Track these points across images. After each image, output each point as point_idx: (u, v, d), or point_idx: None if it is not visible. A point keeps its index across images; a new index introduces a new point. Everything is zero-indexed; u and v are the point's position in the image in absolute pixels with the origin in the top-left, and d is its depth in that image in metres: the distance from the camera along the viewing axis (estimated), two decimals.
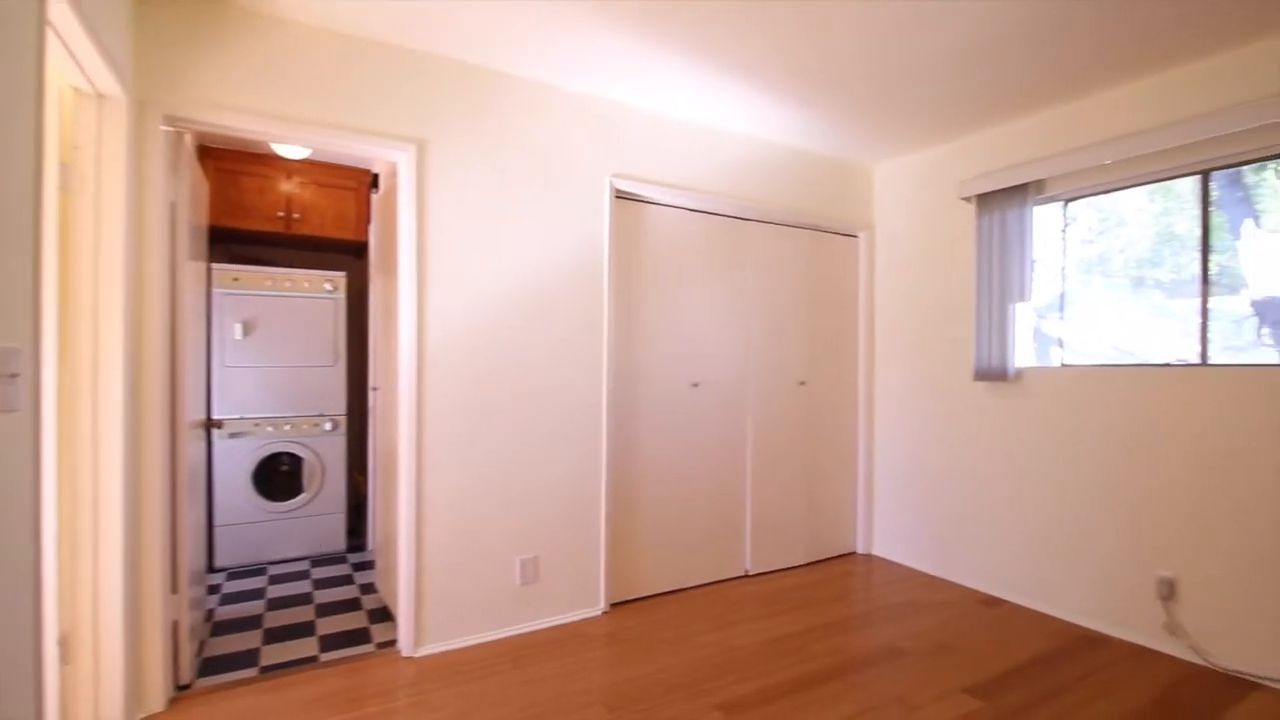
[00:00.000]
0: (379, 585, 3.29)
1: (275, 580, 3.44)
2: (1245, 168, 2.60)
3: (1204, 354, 2.68)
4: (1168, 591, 2.66)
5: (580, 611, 2.94)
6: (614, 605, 3.08)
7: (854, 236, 3.95)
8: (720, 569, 3.45)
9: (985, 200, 3.27)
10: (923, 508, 3.67)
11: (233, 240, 4.05)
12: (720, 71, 2.72)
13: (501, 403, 2.74)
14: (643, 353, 3.17)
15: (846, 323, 3.92)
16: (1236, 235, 2.67)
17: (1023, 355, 3.24)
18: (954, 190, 3.50)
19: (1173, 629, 2.65)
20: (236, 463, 3.61)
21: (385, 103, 2.50)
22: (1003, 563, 3.27)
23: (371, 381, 3.71)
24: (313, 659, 2.54)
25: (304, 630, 2.81)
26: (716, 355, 3.40)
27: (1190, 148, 2.63)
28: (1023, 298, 3.11)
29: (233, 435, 3.60)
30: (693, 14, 2.27)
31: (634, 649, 2.64)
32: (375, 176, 4.02)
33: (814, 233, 3.77)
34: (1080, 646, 2.71)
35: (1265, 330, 2.58)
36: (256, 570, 3.60)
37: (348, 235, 3.98)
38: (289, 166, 3.80)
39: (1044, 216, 3.23)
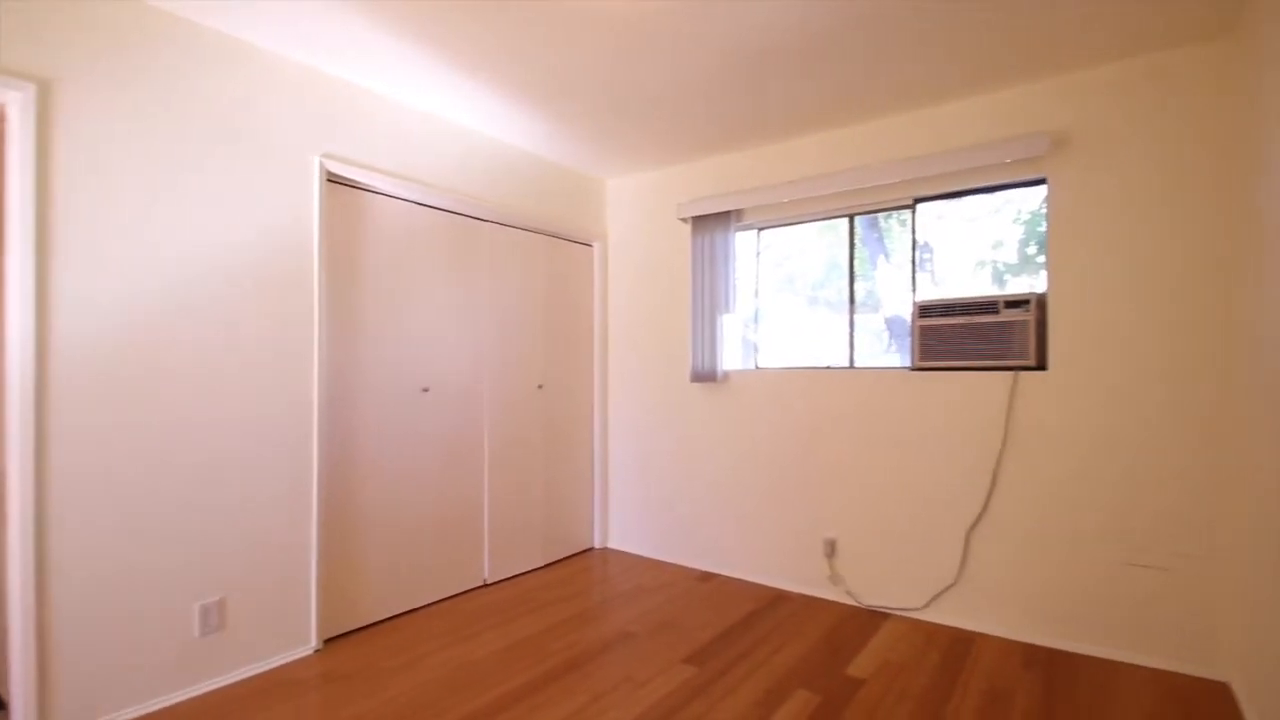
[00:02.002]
0: None
1: None
2: (879, 214, 3.34)
3: (851, 359, 3.36)
4: (831, 550, 3.27)
5: (285, 654, 2.54)
6: (330, 640, 2.73)
7: (589, 245, 4.14)
8: (458, 581, 3.29)
9: (698, 222, 3.69)
10: (649, 499, 3.98)
11: None
12: (459, 69, 2.63)
13: (173, 414, 2.24)
14: (365, 355, 2.89)
15: (583, 328, 4.08)
16: (874, 267, 3.42)
17: (730, 359, 3.71)
18: (674, 210, 3.88)
19: (835, 579, 3.26)
20: None
21: None
22: (714, 541, 3.69)
23: None
24: None
25: None
26: (450, 359, 3.25)
27: (843, 195, 3.29)
28: (728, 310, 3.57)
29: None
30: (426, 6, 2.15)
31: (355, 685, 2.36)
32: None
33: (551, 239, 3.85)
34: (772, 605, 3.18)
35: (893, 341, 3.33)
36: None
37: None
38: None
39: (745, 240, 3.76)
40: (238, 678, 2.39)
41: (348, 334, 2.82)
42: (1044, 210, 2.80)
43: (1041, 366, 2.75)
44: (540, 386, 3.76)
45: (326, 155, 2.69)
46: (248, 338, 2.43)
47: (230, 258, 2.39)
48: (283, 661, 2.53)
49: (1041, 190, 2.84)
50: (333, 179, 2.75)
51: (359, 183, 2.84)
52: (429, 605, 3.14)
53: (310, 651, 2.62)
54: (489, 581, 3.45)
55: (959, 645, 2.71)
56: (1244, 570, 2.23)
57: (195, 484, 2.29)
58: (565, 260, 3.96)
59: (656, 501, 3.95)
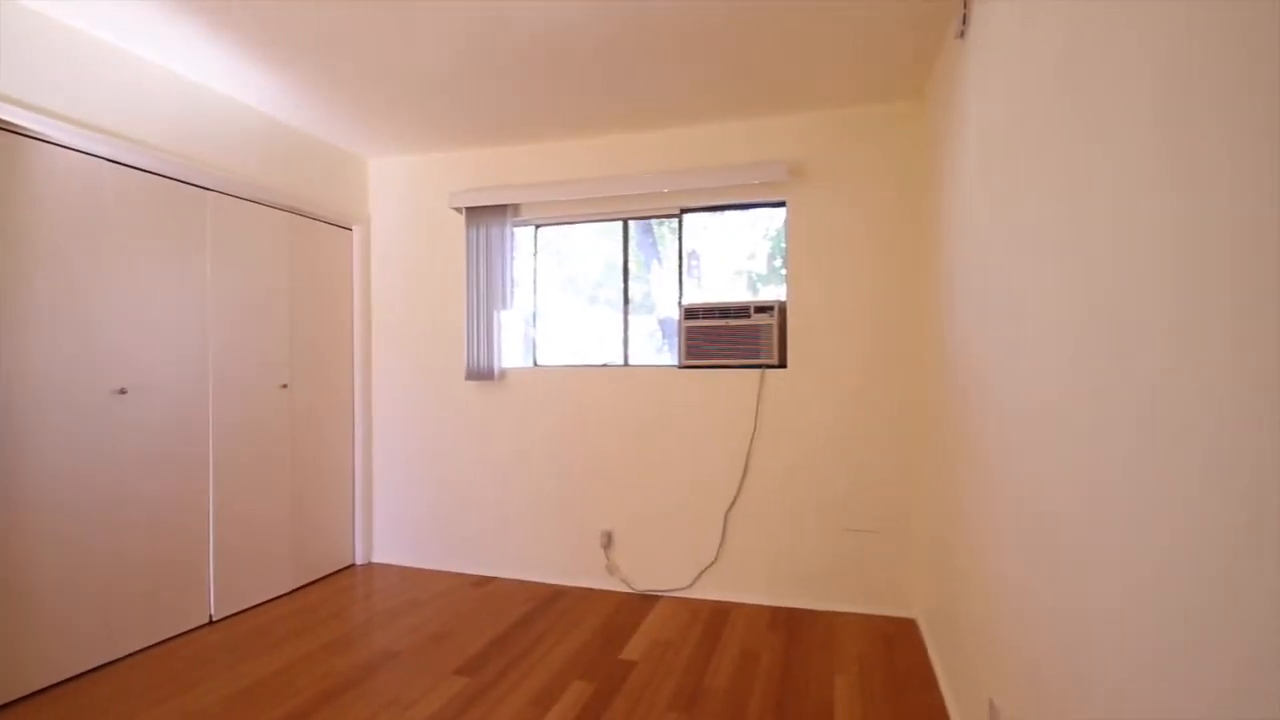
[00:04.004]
0: None
1: None
2: (652, 221, 3.52)
3: (626, 356, 3.50)
4: (607, 541, 3.37)
5: None
6: None
7: (348, 229, 3.72)
8: (172, 623, 2.72)
9: (473, 214, 3.54)
10: (419, 506, 3.72)
11: None
12: (174, 7, 2.16)
13: None
14: (32, 347, 2.24)
15: (339, 321, 3.66)
16: (649, 270, 3.60)
17: (508, 357, 3.62)
18: (447, 199, 3.67)
19: (611, 569, 3.37)
20: None
21: None
22: (491, 544, 3.57)
23: None
24: None
25: None
26: (159, 353, 2.68)
27: (617, 199, 3.41)
28: (505, 306, 3.48)
29: None
30: None
31: None
32: None
33: (300, 218, 3.38)
34: (550, 601, 3.17)
35: (665, 341, 3.54)
36: None
37: None
38: None
39: (524, 237, 3.69)
40: None
41: (5, 319, 2.16)
42: (785, 228, 3.21)
43: (783, 364, 3.15)
44: (285, 386, 3.28)
45: None
46: None
47: None
48: None
49: (783, 211, 3.25)
50: None
51: (19, 126, 2.19)
52: (133, 655, 2.55)
53: None
54: (215, 619, 2.91)
55: (718, 617, 2.97)
56: (927, 531, 2.79)
57: None
58: (318, 243, 3.51)
59: (427, 508, 3.71)
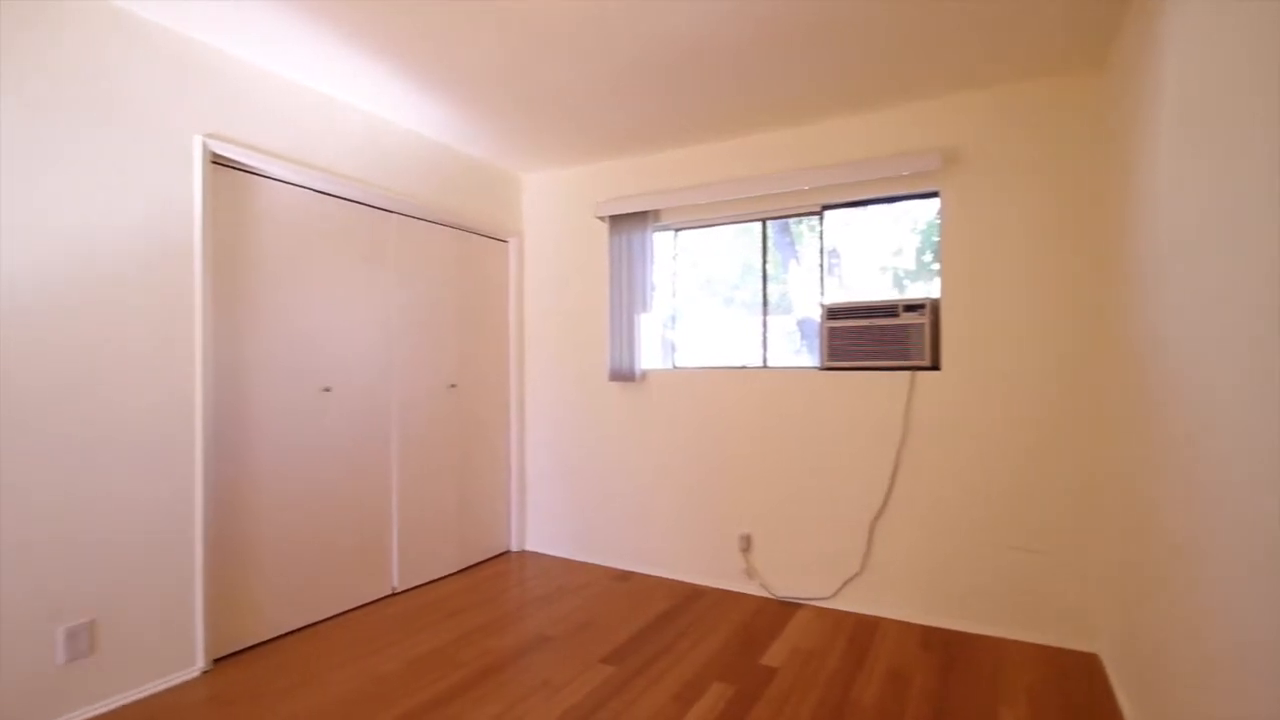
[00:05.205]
0: None
1: None
2: (790, 220, 3.46)
3: (765, 359, 3.46)
4: (746, 544, 3.35)
5: (168, 678, 2.32)
6: (220, 660, 2.52)
7: (505, 241, 4.05)
8: (363, 592, 3.12)
9: (616, 221, 3.69)
10: (567, 499, 3.94)
11: None
12: (363, 52, 2.49)
13: (29, 417, 1.99)
14: (259, 352, 2.69)
15: (498, 326, 3.98)
16: (787, 270, 3.54)
17: (648, 359, 3.73)
18: (592, 209, 3.86)
19: (750, 573, 3.35)
20: None
21: None
22: (633, 540, 3.70)
23: None
24: None
25: None
26: (354, 357, 3.09)
27: (756, 199, 3.38)
28: (646, 309, 3.59)
29: None
30: None
31: (245, 708, 2.19)
32: None
33: (465, 234, 3.74)
34: (689, 600, 3.22)
35: (804, 342, 3.46)
36: None
37: None
38: None
39: (663, 241, 3.79)
40: (111, 707, 2.16)
41: (238, 329, 2.61)
42: (938, 221, 3.00)
43: (936, 366, 2.94)
44: (453, 385, 3.64)
45: (211, 135, 2.48)
46: (115, 335, 2.20)
47: (97, 244, 2.15)
48: (165, 686, 2.30)
49: (935, 203, 3.04)
50: (218, 161, 2.54)
51: (249, 166, 2.64)
52: (332, 618, 2.96)
53: (197, 674, 2.40)
54: (398, 590, 3.30)
55: (864, 631, 2.85)
56: (1110, 554, 2.47)
57: (58, 496, 2.04)
58: (480, 256, 3.85)
59: (574, 502, 3.92)
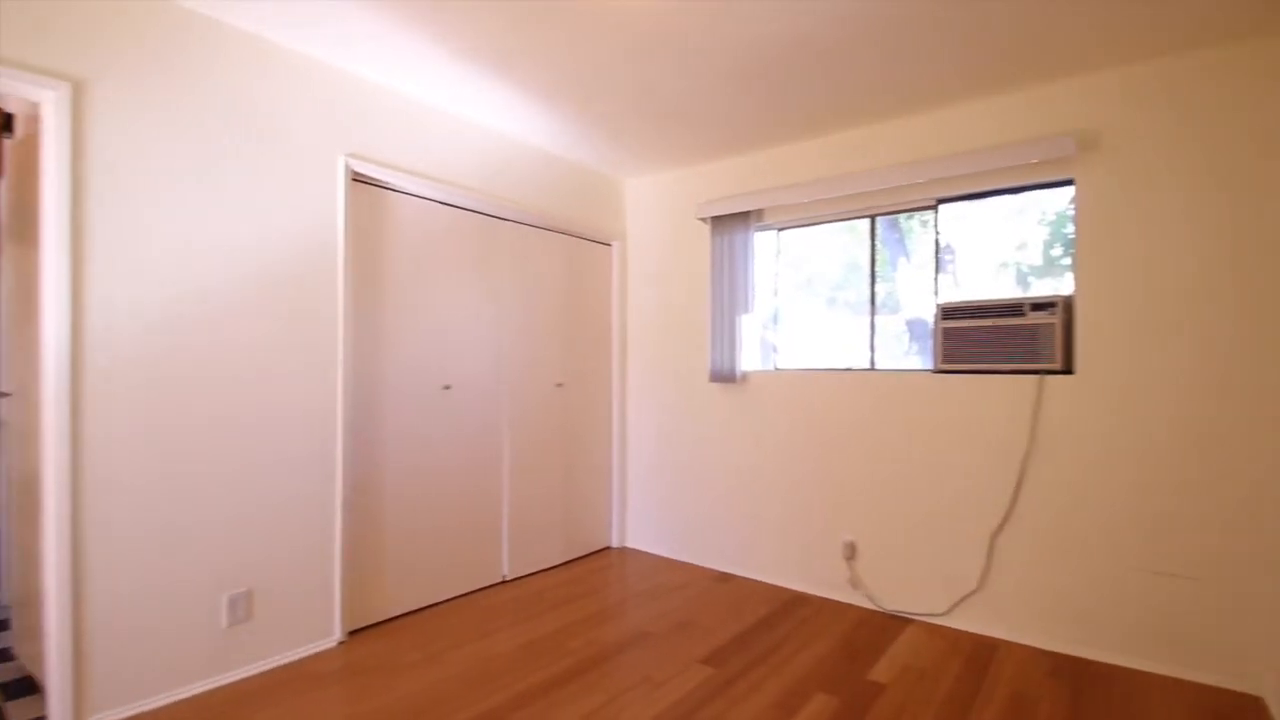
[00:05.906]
0: (18, 649, 2.52)
1: None
2: (900, 215, 3.30)
3: (872, 361, 3.33)
4: (850, 553, 3.24)
5: (310, 646, 2.58)
6: (354, 633, 2.77)
7: (608, 245, 4.15)
8: (477, 577, 3.32)
9: (718, 222, 3.68)
10: (667, 499, 3.98)
11: None
12: (481, 69, 2.65)
13: (200, 411, 2.29)
14: (387, 354, 2.92)
15: (601, 327, 4.09)
16: (895, 268, 3.39)
17: (748, 360, 3.70)
18: (693, 210, 3.87)
19: (855, 583, 3.24)
20: None
21: (19, 21, 1.93)
22: (732, 542, 3.68)
23: None
24: None
25: None
26: (470, 357, 3.28)
27: (864, 196, 3.26)
28: (747, 310, 3.55)
29: None
30: (450, 4, 2.17)
31: (374, 679, 2.39)
32: (9, 117, 3.09)
33: (570, 238, 3.87)
34: (790, 606, 3.16)
35: (914, 343, 3.30)
36: None
37: None
38: None
39: (764, 241, 3.74)
40: (263, 668, 2.43)
41: (371, 333, 2.85)
42: (1070, 211, 2.75)
43: (1068, 370, 2.71)
44: (560, 385, 3.78)
45: (351, 154, 2.73)
46: (274, 338, 2.47)
47: (257, 258, 2.43)
48: (307, 653, 2.57)
49: (1068, 191, 2.80)
50: (357, 178, 2.79)
51: (382, 181, 2.87)
52: (449, 600, 3.18)
53: (334, 644, 2.66)
54: (508, 578, 3.48)
55: (982, 652, 2.68)
56: (1275, 586, 2.18)
57: (224, 481, 2.33)
58: (584, 259, 3.97)
59: (674, 501, 3.95)
